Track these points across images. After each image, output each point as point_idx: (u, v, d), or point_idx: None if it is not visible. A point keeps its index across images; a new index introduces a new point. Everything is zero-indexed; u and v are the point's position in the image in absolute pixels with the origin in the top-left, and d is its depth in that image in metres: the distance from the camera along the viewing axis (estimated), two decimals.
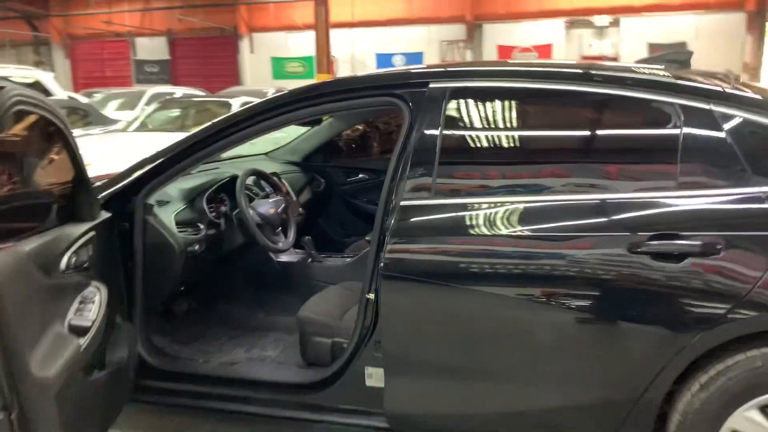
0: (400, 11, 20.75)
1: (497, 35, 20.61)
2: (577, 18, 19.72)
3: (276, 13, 21.14)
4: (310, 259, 3.24)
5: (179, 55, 23.24)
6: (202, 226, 2.77)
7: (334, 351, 2.46)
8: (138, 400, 2.56)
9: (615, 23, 19.56)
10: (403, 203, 2.18)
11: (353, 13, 20.80)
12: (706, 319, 1.90)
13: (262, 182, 3.23)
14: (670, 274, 1.92)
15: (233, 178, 2.99)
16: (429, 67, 2.57)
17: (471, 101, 2.25)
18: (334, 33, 20.73)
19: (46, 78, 11.55)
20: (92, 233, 2.12)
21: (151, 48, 23.55)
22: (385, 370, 2.22)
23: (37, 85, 10.93)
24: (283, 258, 3.23)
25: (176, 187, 2.84)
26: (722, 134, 1.99)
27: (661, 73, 2.22)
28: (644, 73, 2.19)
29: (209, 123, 2.53)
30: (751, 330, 1.89)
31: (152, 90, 13.69)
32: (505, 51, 20.54)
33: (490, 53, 20.69)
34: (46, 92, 11.16)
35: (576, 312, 2.02)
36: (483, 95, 2.27)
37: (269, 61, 21.92)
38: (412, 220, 2.18)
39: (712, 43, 18.64)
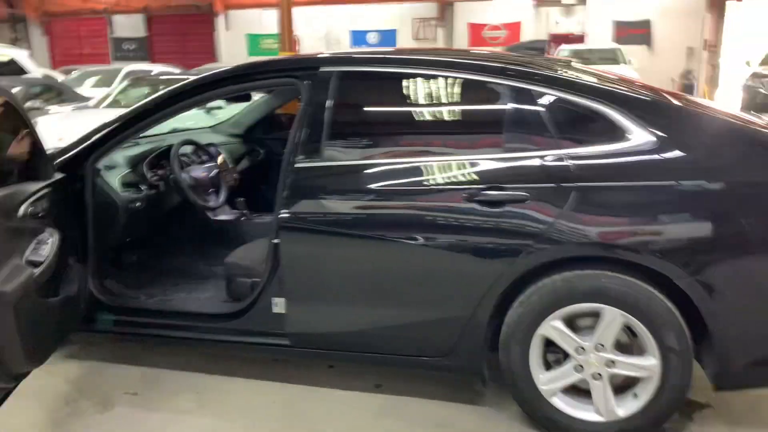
0: None
1: (468, 13, 21.07)
2: None
3: None
4: (243, 218, 3.79)
5: (156, 33, 23.48)
6: (143, 187, 3.31)
7: (252, 288, 3.02)
8: (93, 330, 3.12)
9: (582, 2, 20.07)
10: (297, 165, 2.75)
11: None
12: (517, 251, 2.48)
13: (199, 151, 3.77)
14: (493, 217, 2.50)
15: (171, 147, 3.53)
16: (321, 54, 3.11)
17: (352, 82, 2.81)
18: (309, 10, 21.14)
19: (21, 56, 11.90)
20: (46, 190, 2.65)
21: (128, 25, 23.75)
22: (286, 300, 2.80)
23: (12, 63, 11.31)
24: (221, 216, 3.78)
25: (123, 155, 3.38)
26: (537, 108, 2.57)
27: (503, 59, 2.78)
28: (485, 59, 2.75)
29: (146, 100, 3.07)
30: (547, 259, 2.47)
31: (128, 68, 14.04)
32: (475, 29, 21.02)
33: (461, 31, 21.17)
34: (21, 70, 11.53)
35: (428, 249, 2.59)
36: (362, 77, 2.84)
37: (244, 38, 22.25)
38: (305, 178, 2.74)
39: (675, 20, 19.25)
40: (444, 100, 2.77)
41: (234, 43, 22.22)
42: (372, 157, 2.76)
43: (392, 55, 3.00)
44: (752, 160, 2.40)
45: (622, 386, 2.54)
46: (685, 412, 2.74)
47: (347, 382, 3.05)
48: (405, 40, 21.44)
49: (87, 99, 10.33)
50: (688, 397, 2.80)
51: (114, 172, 3.26)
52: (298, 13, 20.33)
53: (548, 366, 2.59)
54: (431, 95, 2.77)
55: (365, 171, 2.72)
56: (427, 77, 2.76)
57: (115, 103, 9.19)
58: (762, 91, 13.56)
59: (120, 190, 3.22)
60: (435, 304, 2.64)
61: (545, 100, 2.58)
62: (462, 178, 2.57)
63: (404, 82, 2.80)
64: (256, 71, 2.99)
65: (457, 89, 2.76)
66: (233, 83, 3.00)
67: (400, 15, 21.58)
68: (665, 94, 2.76)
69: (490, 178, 2.55)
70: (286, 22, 10.40)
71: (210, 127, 4.49)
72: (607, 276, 2.42)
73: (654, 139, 2.43)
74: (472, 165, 2.59)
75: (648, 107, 2.53)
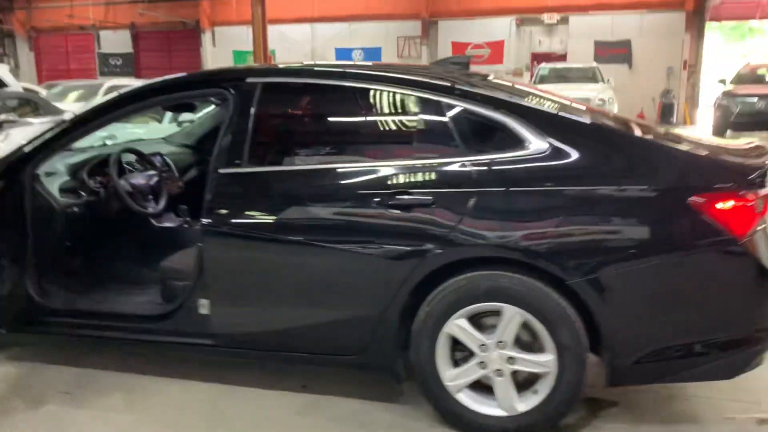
0: (359, 7, 21.42)
1: (452, 32, 21.36)
2: (527, 16, 20.53)
3: (237, 7, 21.67)
4: (185, 224, 3.91)
5: (143, 48, 23.70)
6: (83, 194, 3.43)
7: (184, 290, 3.14)
8: (32, 332, 3.22)
9: (563, 21, 20.40)
10: (221, 171, 2.88)
11: (314, 8, 21.45)
12: (423, 253, 2.61)
13: (142, 160, 3.89)
14: (401, 221, 2.63)
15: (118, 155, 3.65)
16: (247, 66, 3.26)
17: (275, 93, 2.95)
18: (295, 27, 21.41)
19: (1, 70, 12.01)
20: None
21: (115, 41, 23.98)
22: (210, 302, 2.91)
23: None
24: (165, 223, 3.90)
25: (65, 162, 3.50)
26: (444, 119, 2.71)
27: (418, 73, 2.93)
28: (400, 72, 2.90)
29: (83, 111, 3.20)
30: (450, 260, 2.59)
31: (109, 82, 14.17)
32: (459, 47, 21.28)
33: (445, 49, 21.43)
34: (2, 83, 11.64)
35: (340, 252, 2.72)
36: (285, 88, 2.99)
37: (231, 54, 22.47)
38: (227, 184, 2.87)
39: (655, 40, 19.58)
40: (359, 111, 2.92)
41: (220, 59, 22.44)
42: (290, 164, 2.91)
43: (314, 68, 3.15)
44: (639, 169, 2.55)
45: (527, 383, 2.66)
46: (591, 409, 2.86)
47: (276, 382, 3.15)
48: (390, 58, 21.71)
49: (63, 112, 10.44)
50: (596, 395, 2.94)
51: (54, 178, 3.38)
52: (282, 30, 20.65)
53: (456, 363, 2.71)
54: (348, 106, 2.92)
55: (283, 177, 2.86)
56: (345, 89, 2.91)
57: None
58: (734, 109, 13.82)
59: (59, 195, 3.33)
60: (347, 304, 2.76)
61: (452, 110, 2.72)
62: (373, 184, 2.71)
63: (324, 94, 2.94)
64: (187, 82, 3.12)
65: (371, 100, 2.90)
66: (166, 93, 3.13)
67: (386, 33, 21.88)
68: (579, 109, 2.93)
69: (398, 184, 2.68)
70: (260, 38, 10.61)
71: (163, 138, 4.62)
72: (505, 276, 2.55)
73: (549, 147, 2.58)
74: (383, 171, 2.72)
75: (546, 118, 2.67)
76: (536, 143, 2.60)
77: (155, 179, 3.76)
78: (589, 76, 16.05)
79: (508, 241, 2.52)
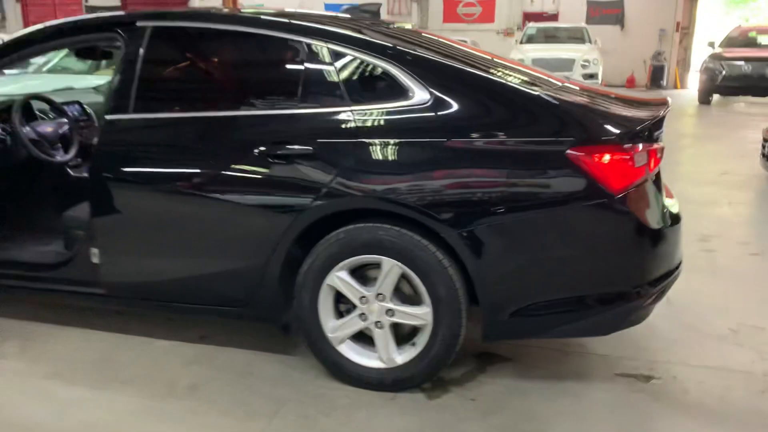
0: None
1: None
2: None
3: None
4: None
5: (130, 2, 23.26)
6: None
7: (79, 240, 3.10)
8: None
9: None
10: (108, 117, 2.82)
11: None
12: (303, 203, 2.56)
13: (55, 108, 3.81)
14: (282, 171, 2.58)
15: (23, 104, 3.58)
16: (141, 11, 3.16)
17: (165, 38, 2.87)
18: None
19: None
20: None
21: None
22: (100, 250, 2.88)
23: None
24: (76, 173, 3.84)
25: None
26: (330, 67, 2.63)
27: (310, 18, 2.84)
28: (286, 18, 2.80)
29: None
30: (331, 211, 2.55)
31: None
32: (450, 4, 20.92)
33: (436, 7, 21.06)
34: None
35: (223, 202, 2.67)
36: (174, 33, 2.91)
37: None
38: (113, 131, 2.82)
39: (648, 2, 19.20)
40: (245, 57, 2.85)
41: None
42: (172, 112, 2.85)
43: (208, 12, 3.05)
44: (519, 121, 2.48)
45: (411, 336, 2.65)
46: (481, 363, 2.86)
47: (175, 333, 3.15)
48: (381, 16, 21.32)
49: (30, 64, 10.29)
50: (491, 350, 2.93)
51: None
52: None
53: (342, 315, 2.69)
54: (235, 52, 2.85)
55: (165, 125, 2.80)
56: (234, 35, 2.83)
57: (55, 69, 9.18)
58: (720, 73, 13.61)
59: None
60: (231, 255, 2.73)
61: (338, 58, 2.64)
62: (254, 133, 2.65)
63: (213, 40, 2.87)
64: (79, 26, 3.04)
65: (257, 46, 2.83)
66: (61, 38, 3.05)
67: None
68: (479, 58, 2.86)
69: (279, 134, 2.62)
70: None
71: (94, 87, 4.54)
72: (384, 229, 2.51)
73: (431, 98, 2.51)
74: (264, 120, 2.67)
75: (430, 68, 2.60)
76: (419, 94, 2.53)
77: (66, 127, 3.69)
78: (577, 36, 15.81)
79: (384, 193, 2.47)
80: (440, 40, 3.12)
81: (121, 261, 2.88)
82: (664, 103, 2.79)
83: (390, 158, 2.52)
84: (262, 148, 2.59)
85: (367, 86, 2.63)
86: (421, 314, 2.54)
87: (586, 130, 2.42)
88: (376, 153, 2.52)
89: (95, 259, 2.90)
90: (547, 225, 2.41)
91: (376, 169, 2.51)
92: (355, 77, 2.63)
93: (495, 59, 3.05)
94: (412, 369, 2.60)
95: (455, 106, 2.50)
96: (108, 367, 2.88)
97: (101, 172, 2.79)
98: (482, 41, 17.54)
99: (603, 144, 2.37)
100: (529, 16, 20.06)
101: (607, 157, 2.35)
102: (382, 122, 2.53)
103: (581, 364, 2.90)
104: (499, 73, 2.69)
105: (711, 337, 3.14)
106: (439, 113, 2.50)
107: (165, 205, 2.77)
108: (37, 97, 3.69)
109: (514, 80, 2.65)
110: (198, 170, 2.71)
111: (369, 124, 2.54)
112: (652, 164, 2.50)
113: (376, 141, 2.52)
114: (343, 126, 2.56)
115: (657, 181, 2.61)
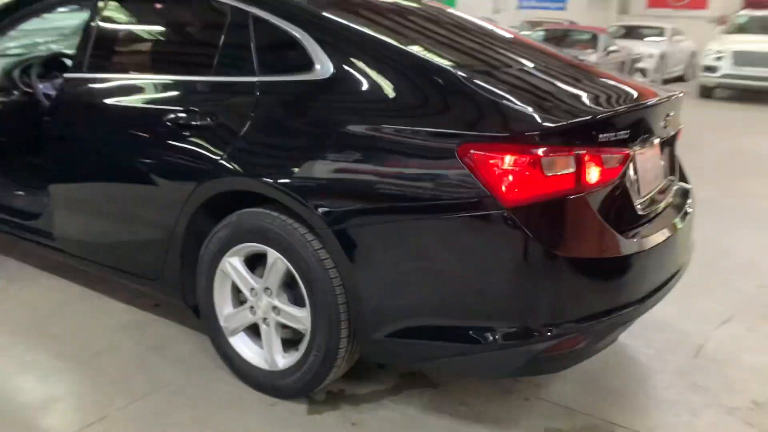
0: None
1: None
2: None
3: None
4: None
5: None
6: (14, 92, 3.61)
7: None
8: None
9: None
10: (66, 74, 2.87)
11: None
12: (198, 178, 2.37)
13: None
14: (180, 142, 2.42)
15: (52, 57, 3.77)
16: None
17: (114, 5, 2.85)
18: None
19: None
20: None
21: None
22: (52, 204, 2.95)
23: None
24: None
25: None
26: (247, 33, 2.39)
27: None
28: None
29: None
30: (224, 189, 2.32)
31: None
32: None
33: None
34: None
35: (129, 167, 2.61)
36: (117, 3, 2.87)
37: None
38: (65, 88, 2.93)
39: None
40: (171, 22, 2.81)
41: None
42: (101, 73, 2.86)
43: None
44: (425, 109, 2.06)
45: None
46: (398, 384, 2.49)
47: (135, 298, 3.13)
48: None
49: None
50: (422, 370, 2.55)
51: None
52: None
53: (241, 305, 2.48)
54: (161, 18, 2.85)
55: (94, 85, 2.83)
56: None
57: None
58: None
59: None
60: (140, 223, 2.64)
61: (256, 23, 2.38)
62: (169, 100, 2.55)
63: (150, 6, 2.88)
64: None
65: (181, 10, 2.79)
66: (32, 4, 3.18)
67: None
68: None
69: (189, 101, 2.47)
70: None
71: None
72: (271, 217, 2.23)
73: (333, 73, 2.17)
74: (179, 86, 2.55)
75: (342, 37, 2.25)
76: (323, 67, 2.20)
77: None
78: None
79: (264, 176, 2.21)
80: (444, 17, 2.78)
81: (64, 216, 2.92)
82: (651, 97, 2.20)
83: (271, 138, 2.27)
84: (172, 116, 2.45)
85: (278, 56, 2.37)
86: (301, 318, 2.24)
87: (488, 124, 1.94)
88: (261, 130, 2.29)
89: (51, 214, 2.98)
90: (430, 237, 1.98)
91: (259, 149, 2.28)
92: (268, 46, 2.37)
93: (492, 38, 2.67)
94: (290, 377, 2.31)
95: (357, 84, 2.15)
96: (47, 318, 2.95)
97: (52, 125, 2.92)
98: (689, 31, 15.80)
99: (505, 142, 1.88)
100: (752, 3, 17.61)
101: (508, 159, 1.86)
102: (274, 97, 2.27)
103: (515, 410, 2.39)
104: (438, 50, 2.29)
105: (724, 410, 2.44)
106: (336, 90, 2.17)
107: (87, 163, 2.79)
108: (62, 54, 3.87)
109: (453, 59, 2.24)
110: (106, 132, 2.72)
111: (264, 98, 2.28)
112: (593, 174, 1.94)
113: (262, 117, 2.28)
114: (243, 99, 2.33)
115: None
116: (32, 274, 3.40)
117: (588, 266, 1.97)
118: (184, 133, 2.41)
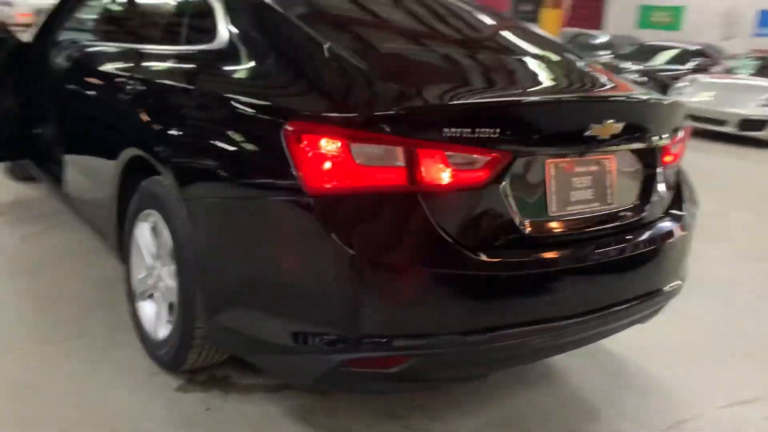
0: None
1: None
2: None
3: None
4: None
5: None
6: None
7: None
8: None
9: None
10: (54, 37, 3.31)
11: None
12: (119, 142, 2.46)
13: None
14: (109, 107, 2.57)
15: None
16: None
17: None
18: None
19: None
20: None
21: None
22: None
23: None
24: None
25: None
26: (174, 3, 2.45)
27: None
28: None
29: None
30: (131, 155, 2.37)
31: None
32: None
33: None
34: None
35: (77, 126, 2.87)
36: None
37: (636, 9, 20.91)
38: (57, 50, 3.25)
39: None
40: None
41: (623, 12, 21.04)
42: (91, 40, 3.17)
43: None
44: (292, 84, 1.91)
45: None
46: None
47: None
48: None
49: None
50: None
51: None
52: None
53: None
54: None
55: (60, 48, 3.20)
56: None
57: None
58: None
59: None
60: (96, 184, 2.76)
61: None
62: (116, 67, 2.70)
63: None
64: None
65: None
66: None
67: None
68: None
69: (124, 68, 2.61)
70: None
71: None
72: (159, 183, 2.23)
73: (226, 45, 2.12)
74: (121, 54, 2.76)
75: (252, 11, 2.16)
76: (220, 39, 2.15)
77: None
78: None
79: (148, 143, 2.25)
80: None
81: (54, 164, 3.25)
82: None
83: (160, 106, 2.30)
84: (115, 81, 2.59)
85: (194, 24, 2.38)
86: (172, 289, 2.20)
87: (313, 103, 1.77)
88: (157, 99, 2.34)
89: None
90: (248, 219, 1.85)
91: (152, 117, 2.30)
92: (191, 15, 2.41)
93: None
94: (162, 349, 2.28)
95: (237, 56, 2.08)
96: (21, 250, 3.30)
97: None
98: None
99: (321, 123, 1.68)
100: None
101: (318, 142, 1.66)
102: (179, 67, 2.33)
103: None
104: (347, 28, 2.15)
105: None
106: (221, 61, 2.11)
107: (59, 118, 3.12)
108: None
109: (352, 37, 2.08)
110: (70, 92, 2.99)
111: (165, 68, 2.40)
112: (437, 174, 1.66)
113: (162, 86, 2.32)
114: (153, 67, 2.46)
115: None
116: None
117: (405, 278, 1.68)
118: (116, 97, 2.54)
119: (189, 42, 2.33)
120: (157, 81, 2.32)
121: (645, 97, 2.12)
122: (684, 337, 2.98)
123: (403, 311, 1.69)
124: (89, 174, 2.85)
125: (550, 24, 7.55)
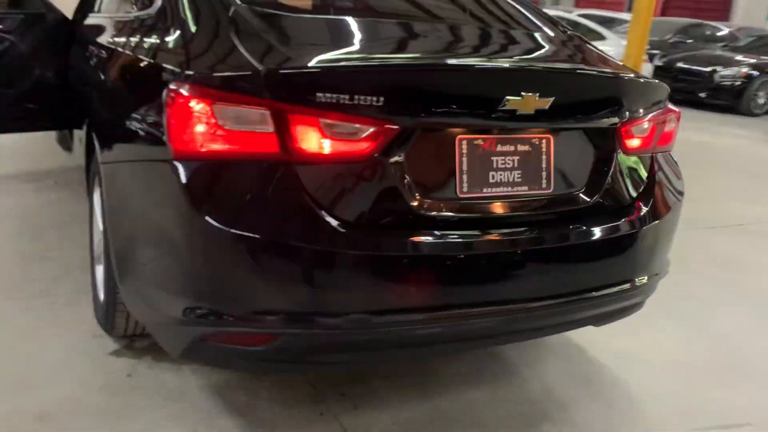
0: None
1: None
2: None
3: None
4: None
5: None
6: None
7: None
8: None
9: None
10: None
11: None
12: (83, 113, 2.51)
13: None
14: (83, 78, 2.60)
15: None
16: None
17: None
18: None
19: None
20: None
21: None
22: None
23: None
24: None
25: None
26: None
27: None
28: None
29: None
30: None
31: None
32: None
33: None
34: None
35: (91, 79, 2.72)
36: None
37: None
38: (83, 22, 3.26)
39: None
40: None
41: (753, 5, 19.40)
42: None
43: None
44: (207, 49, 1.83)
45: None
46: None
47: None
48: None
49: None
50: None
51: None
52: None
53: None
54: None
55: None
56: None
57: None
58: None
59: None
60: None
61: None
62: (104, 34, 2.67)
63: None
64: None
65: None
66: None
67: None
68: None
69: (100, 36, 2.63)
70: None
71: None
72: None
73: (157, 11, 2.08)
74: (106, 24, 2.71)
75: None
76: (155, 4, 2.12)
77: None
78: None
79: (90, 109, 2.34)
80: None
81: None
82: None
83: (100, 74, 2.33)
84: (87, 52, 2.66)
85: None
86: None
87: (192, 63, 1.70)
88: (100, 67, 2.35)
89: None
90: (133, 183, 1.84)
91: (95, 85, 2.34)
92: None
93: None
94: (99, 312, 2.30)
95: (163, 20, 2.02)
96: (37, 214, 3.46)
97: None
98: None
99: (191, 83, 1.58)
100: None
101: (185, 103, 1.57)
102: (121, 33, 2.30)
103: (304, 428, 2.02)
104: None
105: None
106: (147, 27, 2.09)
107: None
108: None
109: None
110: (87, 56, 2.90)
111: (108, 30, 2.45)
112: (313, 142, 1.55)
113: (102, 52, 2.38)
114: (108, 36, 2.49)
115: None
116: None
117: (268, 252, 1.56)
118: (85, 67, 2.60)
119: (140, 8, 2.31)
120: (104, 48, 2.35)
121: (590, 72, 1.88)
122: (684, 350, 2.67)
123: (265, 287, 1.58)
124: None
125: (643, 10, 6.99)
